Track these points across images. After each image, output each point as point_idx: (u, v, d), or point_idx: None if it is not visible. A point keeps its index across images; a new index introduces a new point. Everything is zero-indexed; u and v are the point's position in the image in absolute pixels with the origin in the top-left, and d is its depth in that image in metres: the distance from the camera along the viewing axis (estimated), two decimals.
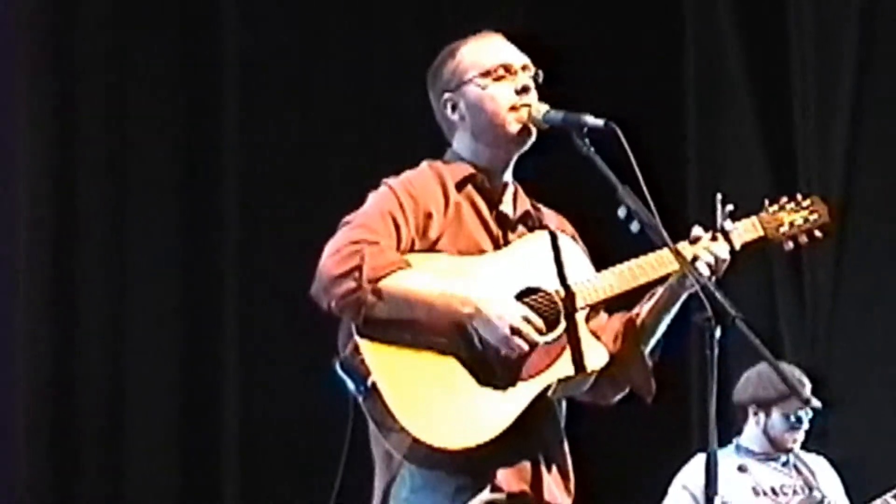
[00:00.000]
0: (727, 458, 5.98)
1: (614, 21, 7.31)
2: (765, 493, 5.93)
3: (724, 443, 5.96)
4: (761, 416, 6.02)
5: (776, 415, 5.95)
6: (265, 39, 7.25)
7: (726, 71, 7.50)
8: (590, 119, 3.72)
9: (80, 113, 7.05)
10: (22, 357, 6.81)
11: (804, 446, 6.13)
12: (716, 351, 3.54)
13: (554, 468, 3.77)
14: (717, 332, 3.53)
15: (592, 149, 3.70)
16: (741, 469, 5.95)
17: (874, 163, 7.16)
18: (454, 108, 3.86)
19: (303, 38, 7.22)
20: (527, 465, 3.72)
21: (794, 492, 5.95)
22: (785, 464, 6.02)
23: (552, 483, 3.76)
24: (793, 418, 5.97)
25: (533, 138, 3.82)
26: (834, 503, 5.96)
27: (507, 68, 3.83)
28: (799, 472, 5.99)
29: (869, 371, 6.98)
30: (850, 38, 7.19)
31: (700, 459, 5.90)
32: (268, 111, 7.22)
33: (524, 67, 3.84)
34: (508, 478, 3.70)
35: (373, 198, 3.78)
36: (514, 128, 3.80)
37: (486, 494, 3.67)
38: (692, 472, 5.93)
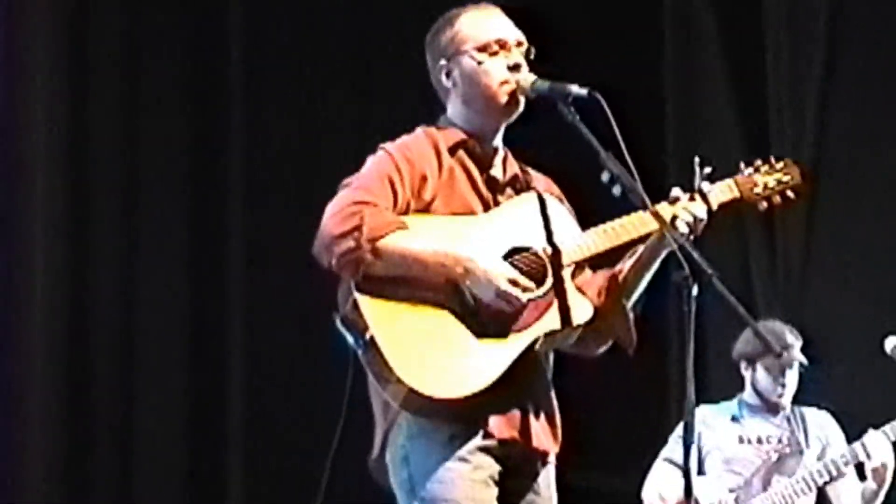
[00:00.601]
0: (726, 409, 6.06)
1: None
2: (749, 442, 5.94)
3: (701, 397, 6.01)
4: (750, 371, 6.04)
5: (760, 369, 5.95)
6: (268, 26, 7.25)
7: (702, 42, 7.50)
8: (575, 89, 3.73)
9: (93, 103, 7.02)
10: (39, 339, 6.80)
11: (804, 400, 6.15)
12: (693, 308, 3.57)
13: (542, 416, 3.79)
14: (695, 290, 3.55)
15: (577, 116, 3.71)
16: (734, 419, 5.99)
17: (844, 129, 7.15)
18: (448, 74, 3.87)
19: (305, 14, 7.20)
20: (516, 413, 3.74)
21: (779, 441, 5.95)
22: (780, 416, 6.03)
23: (540, 430, 3.78)
24: (776, 372, 5.97)
25: (521, 109, 3.83)
26: (823, 450, 5.94)
27: (503, 44, 3.84)
28: (790, 423, 6.00)
29: (839, 328, 6.96)
30: (822, 8, 7.17)
31: (699, 411, 5.91)
32: (271, 94, 7.21)
33: (518, 44, 3.85)
34: (499, 425, 3.71)
35: (371, 162, 3.79)
36: (503, 99, 3.82)
37: (478, 440, 3.70)
38: (674, 447, 5.95)
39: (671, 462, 5.93)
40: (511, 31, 3.87)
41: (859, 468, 5.78)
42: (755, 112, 7.30)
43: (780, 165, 4.02)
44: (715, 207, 3.86)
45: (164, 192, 7.14)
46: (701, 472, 5.89)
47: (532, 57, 3.86)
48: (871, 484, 5.81)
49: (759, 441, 5.95)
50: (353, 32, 7.23)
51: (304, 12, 7.21)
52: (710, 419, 5.96)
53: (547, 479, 3.85)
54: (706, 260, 3.60)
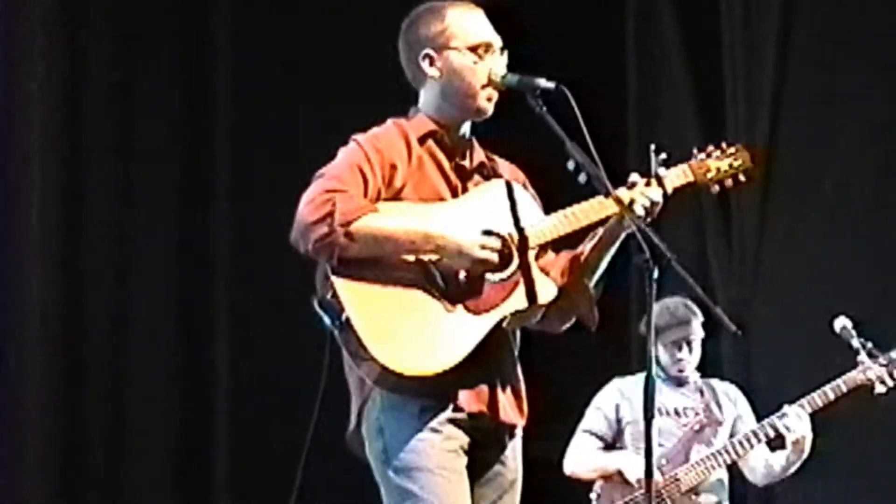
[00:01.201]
0: (641, 381, 6.02)
1: None
2: (668, 413, 5.89)
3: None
4: (653, 347, 6.00)
5: (660, 345, 5.91)
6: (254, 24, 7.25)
7: (662, 37, 7.51)
8: (542, 82, 3.75)
9: (87, 101, 7.05)
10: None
11: (712, 373, 6.15)
12: (654, 288, 3.60)
13: (509, 390, 3.81)
14: (655, 272, 3.59)
15: (545, 108, 3.73)
16: None
17: (797, 114, 7.14)
18: (432, 63, 3.86)
19: (287, 13, 7.22)
20: (485, 388, 3.76)
21: (696, 413, 5.92)
22: (691, 388, 5.99)
23: (507, 404, 3.80)
24: (673, 348, 5.93)
25: (489, 114, 3.86)
26: (735, 422, 5.93)
27: (489, 48, 3.86)
28: (703, 395, 5.96)
29: (790, 305, 6.97)
30: (775, 3, 7.19)
31: (613, 384, 5.98)
32: (257, 91, 7.22)
33: (501, 49, 3.88)
34: (468, 399, 3.73)
35: (343, 153, 3.80)
36: (482, 104, 3.84)
37: (449, 412, 3.72)
38: (605, 396, 5.97)
39: (590, 433, 5.93)
40: (496, 36, 3.89)
41: (780, 440, 5.79)
42: (712, 101, 7.30)
43: (731, 150, 4.04)
44: (670, 191, 3.89)
45: (154, 183, 7.16)
46: (621, 443, 5.90)
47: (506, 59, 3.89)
48: (791, 455, 5.79)
49: (678, 413, 5.90)
50: (331, 34, 7.23)
51: (288, 15, 7.21)
52: (627, 392, 5.93)
53: (514, 450, 3.87)
54: (665, 243, 3.62)
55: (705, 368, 6.08)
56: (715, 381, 6.06)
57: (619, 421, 5.93)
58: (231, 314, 7.20)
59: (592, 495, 5.91)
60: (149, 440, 7.09)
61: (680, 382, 5.97)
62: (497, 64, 3.84)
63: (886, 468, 6.67)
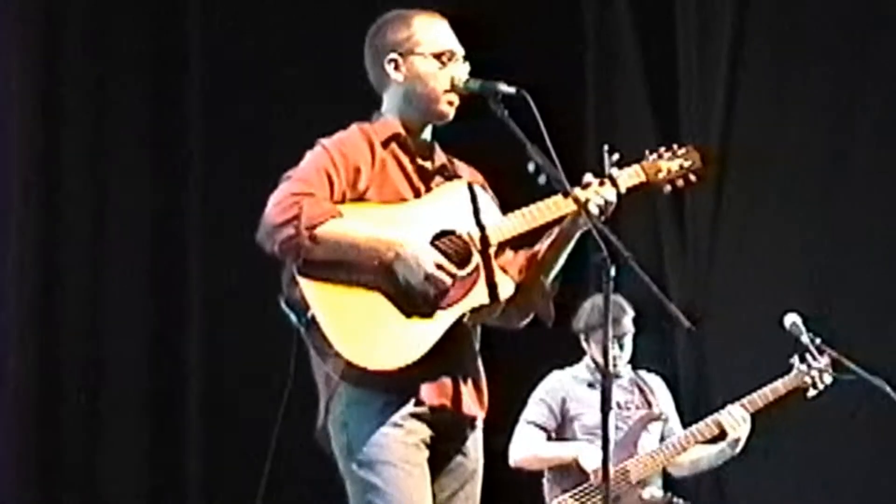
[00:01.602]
0: (580, 373, 6.02)
1: (525, 1, 7.37)
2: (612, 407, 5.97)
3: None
4: (586, 343, 6.02)
5: (593, 342, 5.96)
6: (226, 25, 7.26)
7: (619, 43, 7.53)
8: (504, 87, 3.78)
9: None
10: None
11: (643, 366, 6.17)
12: (611, 286, 3.63)
13: (469, 383, 3.83)
14: (612, 271, 3.61)
15: (506, 112, 3.76)
16: (591, 385, 5.95)
17: (749, 117, 7.16)
18: (397, 67, 3.89)
19: (259, 18, 7.23)
20: (446, 381, 3.78)
21: (637, 407, 5.95)
22: (627, 383, 6.02)
23: (468, 397, 3.82)
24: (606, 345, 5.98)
25: (451, 117, 3.89)
26: (667, 415, 5.97)
27: (452, 56, 3.89)
28: (640, 389, 6.00)
29: (742, 302, 6.98)
30: (728, 7, 7.20)
31: (554, 376, 6.00)
32: (228, 94, 7.21)
33: (463, 57, 3.91)
34: (430, 393, 3.75)
35: (309, 156, 3.82)
36: (443, 108, 3.88)
37: (411, 407, 3.74)
38: (547, 388, 5.99)
39: (534, 424, 5.94)
40: (459, 45, 3.93)
41: (722, 435, 5.83)
42: (667, 105, 7.32)
43: (681, 151, 4.06)
44: (623, 191, 3.91)
45: (128, 178, 7.15)
46: (567, 435, 5.93)
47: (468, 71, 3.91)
48: (727, 449, 5.81)
49: (620, 407, 5.91)
50: (301, 41, 7.24)
51: (259, 20, 7.22)
52: (569, 386, 5.96)
53: (475, 442, 3.89)
54: (622, 242, 3.65)
55: (662, 364, 6.12)
56: (645, 374, 6.10)
57: (563, 413, 5.95)
58: (204, 309, 7.19)
59: (545, 483, 5.91)
60: (122, 439, 7.08)
61: (619, 376, 5.98)
62: (460, 70, 3.88)
63: (832, 457, 6.71)
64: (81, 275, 7.06)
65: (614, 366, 5.96)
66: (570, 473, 5.82)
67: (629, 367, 6.04)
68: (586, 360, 6.04)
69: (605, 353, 3.79)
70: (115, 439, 7.05)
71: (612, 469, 5.62)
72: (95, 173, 7.10)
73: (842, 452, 6.68)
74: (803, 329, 5.75)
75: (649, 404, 5.97)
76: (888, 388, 5.51)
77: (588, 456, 5.79)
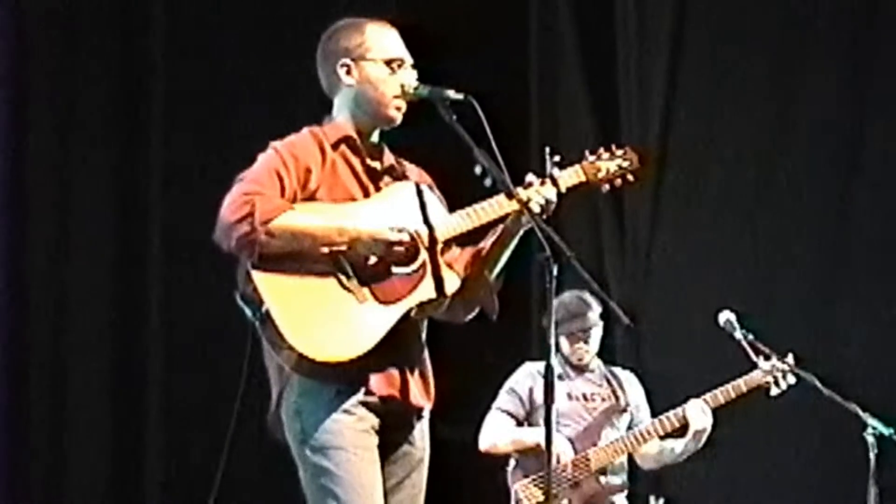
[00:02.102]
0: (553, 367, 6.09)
1: (470, 10, 7.39)
2: (577, 399, 5.95)
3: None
4: (556, 337, 6.08)
5: (562, 336, 5.98)
6: (190, 43, 7.27)
7: (562, 51, 7.54)
8: (452, 93, 3.83)
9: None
10: None
11: (616, 361, 6.22)
12: (554, 284, 3.66)
13: (417, 375, 3.88)
14: (555, 269, 3.65)
15: (454, 117, 3.80)
16: (560, 377, 5.96)
17: (686, 119, 7.19)
18: (349, 72, 3.93)
19: (220, 27, 7.25)
20: (394, 373, 3.82)
21: (603, 399, 5.97)
22: (597, 375, 6.04)
23: (415, 388, 3.87)
24: (573, 339, 5.98)
25: (398, 123, 3.93)
26: (636, 408, 6.00)
27: (402, 63, 3.93)
28: (609, 382, 6.02)
29: (679, 299, 7.02)
30: (667, 10, 7.24)
31: (526, 367, 6.02)
32: (191, 95, 7.23)
33: (408, 66, 3.95)
34: (379, 384, 3.79)
35: (261, 158, 3.86)
36: (392, 113, 3.92)
37: (361, 395, 3.78)
38: (518, 378, 6.02)
39: (503, 411, 5.98)
40: (408, 53, 3.97)
41: (682, 429, 5.89)
42: (607, 109, 7.35)
43: (620, 152, 4.11)
44: (564, 190, 3.95)
45: (92, 183, 7.15)
46: (534, 423, 5.97)
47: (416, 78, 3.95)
48: (689, 443, 5.85)
49: (586, 398, 5.95)
50: (259, 27, 7.26)
51: (220, 34, 7.24)
52: (538, 376, 5.93)
53: (422, 431, 3.93)
54: (564, 241, 3.69)
55: (602, 357, 6.17)
56: (617, 369, 6.13)
57: (531, 402, 6.00)
58: (164, 302, 7.20)
59: (509, 468, 5.96)
60: (85, 436, 7.09)
61: (583, 370, 6.04)
62: (408, 77, 3.91)
63: (767, 450, 6.77)
64: (46, 275, 7.05)
65: (580, 359, 6.01)
66: (533, 459, 5.87)
67: (599, 361, 6.07)
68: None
69: (547, 347, 3.81)
70: (79, 437, 7.05)
71: (572, 455, 5.78)
72: (61, 174, 7.10)
73: (773, 443, 6.75)
74: (737, 326, 5.77)
75: (617, 397, 6.00)
76: (817, 382, 5.58)
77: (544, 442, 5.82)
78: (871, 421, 5.41)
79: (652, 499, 6.09)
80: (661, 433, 5.86)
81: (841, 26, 6.90)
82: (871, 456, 5.34)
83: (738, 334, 5.77)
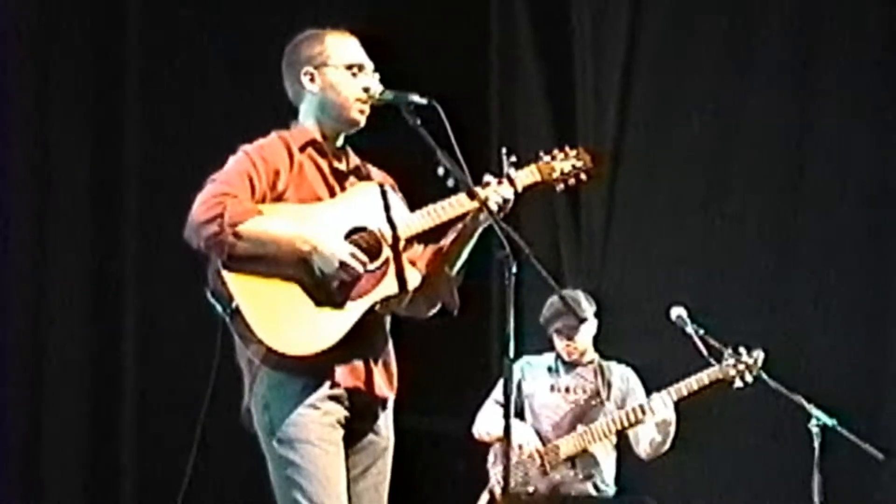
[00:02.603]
0: (545, 360, 6.13)
1: (434, 20, 7.42)
2: (559, 391, 6.03)
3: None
4: (549, 333, 6.14)
5: (552, 333, 6.07)
6: (165, 38, 7.28)
7: (521, 58, 7.56)
8: (416, 98, 3.87)
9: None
10: None
11: (611, 356, 6.26)
12: (513, 280, 3.71)
13: (381, 366, 3.91)
14: (514, 267, 3.70)
15: (419, 121, 3.84)
16: (549, 370, 6.06)
17: (640, 123, 7.23)
18: (312, 79, 3.97)
19: (197, 29, 7.25)
20: (359, 365, 3.86)
21: (584, 392, 6.04)
22: (587, 369, 6.11)
23: (379, 379, 3.90)
24: (563, 335, 6.06)
25: (362, 125, 3.97)
26: (622, 400, 6.04)
27: (361, 68, 3.97)
28: (597, 377, 6.08)
29: (633, 294, 7.05)
30: (622, 18, 7.27)
31: (522, 360, 6.07)
32: (165, 99, 7.23)
33: (369, 71, 3.99)
34: (345, 376, 3.83)
35: (232, 161, 3.89)
36: (355, 115, 3.95)
37: (326, 389, 3.81)
38: (501, 390, 6.12)
39: (497, 402, 6.07)
40: (368, 59, 4.01)
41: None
42: (565, 112, 7.38)
43: (573, 153, 4.14)
44: (520, 189, 3.99)
45: (68, 181, 7.12)
46: (522, 415, 6.04)
47: (378, 79, 3.99)
48: (656, 435, 5.93)
49: (567, 391, 6.04)
50: (230, 33, 7.28)
51: (194, 20, 7.26)
52: (530, 369, 6.08)
53: (386, 421, 3.97)
54: (523, 239, 3.74)
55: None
56: (612, 364, 6.17)
57: (520, 393, 6.06)
58: (139, 301, 7.19)
59: (490, 455, 6.05)
60: (62, 436, 7.08)
61: (574, 364, 6.10)
62: (373, 83, 3.95)
63: (717, 440, 6.82)
64: (24, 277, 7.02)
65: (569, 354, 6.08)
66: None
67: (597, 355, 6.13)
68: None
69: (506, 338, 3.82)
70: (55, 436, 7.05)
71: (541, 446, 5.85)
72: (38, 173, 7.10)
73: (723, 434, 6.79)
74: (688, 321, 5.81)
75: (598, 392, 6.05)
76: (764, 375, 5.63)
77: (518, 434, 5.90)
78: (816, 412, 5.47)
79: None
80: (626, 425, 5.92)
81: (785, 33, 6.95)
82: (816, 445, 5.40)
83: (690, 329, 5.81)
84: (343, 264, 3.76)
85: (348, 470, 3.87)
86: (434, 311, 4.06)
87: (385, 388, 3.93)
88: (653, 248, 7.13)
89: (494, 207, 3.88)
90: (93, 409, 7.12)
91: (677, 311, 5.86)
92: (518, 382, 6.04)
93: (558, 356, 6.10)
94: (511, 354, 3.81)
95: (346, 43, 4.00)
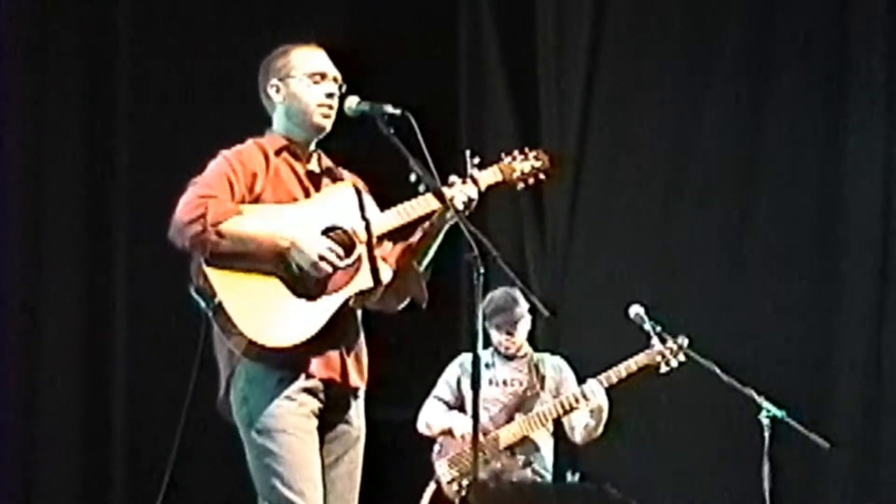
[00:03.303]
0: (483, 356, 6.09)
1: (405, 33, 7.45)
2: (497, 384, 6.06)
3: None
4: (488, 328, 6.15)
5: (491, 328, 6.08)
6: (154, 50, 7.30)
7: (489, 69, 7.58)
8: (389, 108, 3.92)
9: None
10: None
11: (542, 348, 6.31)
12: (481, 280, 3.77)
13: (353, 358, 3.96)
14: (481, 268, 3.75)
15: (392, 130, 3.89)
16: (487, 366, 6.09)
17: (602, 128, 7.25)
18: (278, 91, 4.03)
19: (183, 43, 7.28)
20: (334, 356, 3.91)
21: (521, 384, 6.07)
22: (522, 362, 6.14)
23: (352, 370, 3.95)
24: (501, 330, 6.08)
25: (328, 129, 4.01)
26: (556, 390, 6.08)
27: (323, 76, 4.02)
28: (531, 369, 6.10)
29: (595, 293, 7.08)
30: (584, 27, 7.29)
31: (457, 359, 6.16)
32: (154, 103, 7.25)
33: (335, 79, 4.04)
34: (319, 367, 3.88)
35: (212, 165, 3.95)
36: (318, 119, 4.01)
37: (302, 381, 3.86)
38: (451, 369, 6.16)
39: (438, 399, 6.13)
40: (331, 68, 4.06)
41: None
42: (530, 118, 7.39)
43: (533, 154, 4.23)
44: (483, 188, 4.06)
45: (61, 185, 7.15)
46: (463, 408, 6.10)
47: (344, 90, 4.03)
48: (590, 420, 5.98)
49: (505, 384, 6.07)
50: (217, 48, 7.31)
51: (183, 31, 7.27)
52: (468, 364, 6.07)
53: (357, 410, 4.02)
54: (490, 241, 3.79)
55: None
56: (546, 355, 6.21)
57: (459, 390, 6.13)
58: (129, 308, 7.21)
59: (435, 447, 6.08)
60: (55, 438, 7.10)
61: (511, 357, 6.14)
62: (335, 90, 4.00)
63: (672, 430, 6.87)
64: (19, 287, 7.04)
65: (507, 348, 6.12)
66: (453, 441, 6.01)
67: (530, 349, 6.15)
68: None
69: (474, 335, 3.90)
70: (50, 439, 7.06)
71: (482, 437, 5.89)
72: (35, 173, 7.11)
73: (678, 424, 6.84)
74: (646, 318, 5.86)
75: (533, 383, 6.08)
76: (716, 369, 5.68)
77: (459, 425, 5.97)
78: (766, 404, 5.50)
79: (568, 474, 6.19)
80: (561, 412, 5.98)
81: (742, 41, 6.97)
82: (766, 436, 5.43)
83: (647, 325, 5.86)
84: (321, 257, 3.81)
85: (323, 458, 3.92)
86: (403, 304, 4.10)
87: (357, 378, 3.98)
88: (613, 249, 7.15)
89: (460, 206, 3.94)
90: (84, 416, 7.14)
91: (635, 310, 5.90)
92: (457, 379, 6.12)
93: (495, 351, 6.14)
94: (479, 352, 3.87)
95: (309, 54, 4.06)
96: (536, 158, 4.21)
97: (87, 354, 7.17)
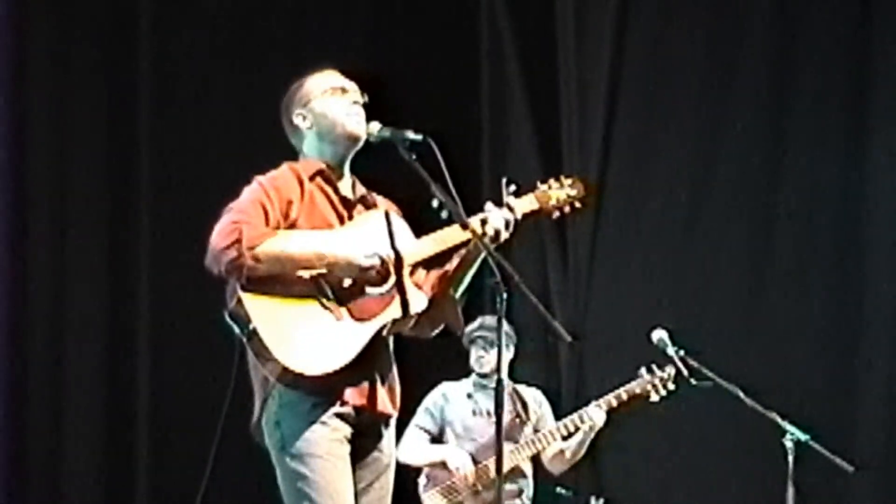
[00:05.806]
0: (463, 386, 6.13)
1: (429, 61, 7.46)
2: (481, 414, 6.02)
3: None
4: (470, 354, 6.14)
5: (473, 354, 6.07)
6: (176, 73, 7.29)
7: (511, 94, 7.60)
8: (411, 134, 3.87)
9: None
10: None
11: (525, 381, 6.27)
12: (504, 305, 3.73)
13: (386, 387, 3.91)
14: (504, 293, 3.72)
15: (414, 156, 3.85)
16: (468, 396, 6.07)
17: (623, 155, 7.25)
18: (304, 118, 3.99)
19: (204, 71, 7.28)
20: (366, 385, 3.86)
21: (508, 414, 5.97)
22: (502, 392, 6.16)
23: (384, 397, 3.90)
24: (476, 345, 6.09)
25: (364, 138, 3.96)
26: (538, 422, 6.08)
27: (342, 89, 3.99)
28: (514, 400, 6.05)
29: (616, 319, 7.07)
30: (605, 54, 7.29)
31: (439, 388, 6.12)
32: (176, 128, 7.25)
33: (354, 91, 4.01)
34: (353, 395, 3.83)
35: (246, 191, 3.89)
36: (351, 127, 3.95)
37: (336, 407, 3.82)
38: (433, 398, 6.12)
39: (420, 428, 6.06)
40: (347, 83, 4.02)
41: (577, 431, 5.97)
42: (552, 145, 7.40)
43: (569, 182, 4.19)
44: (520, 217, 4.02)
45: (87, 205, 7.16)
46: (445, 439, 6.05)
47: (366, 101, 4.00)
48: (585, 437, 5.96)
49: (489, 414, 5.97)
50: (239, 77, 7.29)
51: (203, 58, 7.27)
52: (450, 395, 6.08)
53: (388, 438, 3.97)
54: (513, 268, 3.75)
55: (548, 374, 6.22)
56: (522, 387, 6.17)
57: (443, 419, 6.08)
58: (152, 328, 7.20)
59: (421, 479, 6.04)
60: (80, 448, 7.08)
61: (490, 388, 6.00)
62: (359, 98, 3.97)
63: (697, 454, 6.85)
64: (45, 292, 7.04)
65: (480, 367, 6.07)
66: (440, 472, 5.97)
67: (509, 381, 6.06)
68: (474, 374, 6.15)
69: (498, 364, 3.92)
70: (74, 448, 7.03)
71: (472, 467, 5.86)
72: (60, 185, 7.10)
73: (702, 448, 6.82)
74: (669, 342, 5.82)
75: (518, 414, 6.05)
76: (740, 393, 5.65)
77: (453, 458, 5.94)
78: (790, 428, 5.48)
79: (592, 499, 6.15)
80: (557, 438, 5.96)
81: (761, 65, 6.95)
82: (790, 459, 5.41)
83: (671, 350, 5.81)
84: (365, 267, 3.78)
85: (355, 484, 3.87)
86: (437, 331, 4.06)
87: (389, 406, 3.93)
88: (636, 275, 7.13)
89: (492, 233, 3.90)
90: (107, 430, 7.12)
91: (658, 334, 5.85)
92: (441, 408, 6.07)
93: (475, 382, 6.09)
94: (505, 377, 3.84)
95: (324, 75, 4.03)
96: (572, 186, 4.18)
97: (109, 381, 7.17)
